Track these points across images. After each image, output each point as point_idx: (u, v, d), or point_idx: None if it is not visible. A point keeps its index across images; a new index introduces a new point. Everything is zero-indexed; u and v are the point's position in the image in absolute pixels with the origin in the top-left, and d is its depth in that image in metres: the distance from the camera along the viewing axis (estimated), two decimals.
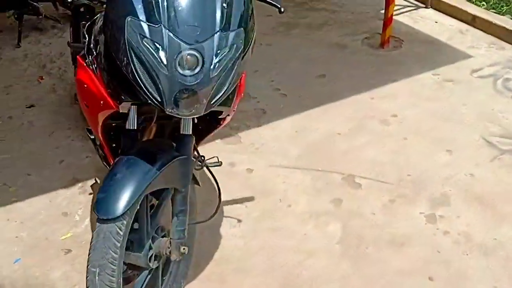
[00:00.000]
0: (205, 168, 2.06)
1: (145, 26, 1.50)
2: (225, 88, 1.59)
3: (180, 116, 1.60)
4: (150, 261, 1.79)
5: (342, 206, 2.59)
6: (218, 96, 1.58)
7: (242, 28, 1.59)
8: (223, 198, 2.12)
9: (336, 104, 3.34)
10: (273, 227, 2.47)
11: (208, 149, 2.31)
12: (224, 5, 1.56)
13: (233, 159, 2.86)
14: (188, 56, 1.51)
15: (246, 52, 1.62)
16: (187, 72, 1.52)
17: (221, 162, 2.18)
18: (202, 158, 2.00)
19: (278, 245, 2.38)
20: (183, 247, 1.83)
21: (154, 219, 1.83)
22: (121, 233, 1.59)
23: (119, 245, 1.59)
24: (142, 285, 1.85)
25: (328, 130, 3.12)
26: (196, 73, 1.52)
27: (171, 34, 1.50)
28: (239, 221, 2.49)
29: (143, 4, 1.51)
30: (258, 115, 3.26)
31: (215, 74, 1.54)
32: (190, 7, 1.53)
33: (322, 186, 2.72)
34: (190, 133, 1.77)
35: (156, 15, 1.50)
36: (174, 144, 1.82)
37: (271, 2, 1.82)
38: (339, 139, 3.06)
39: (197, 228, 2.12)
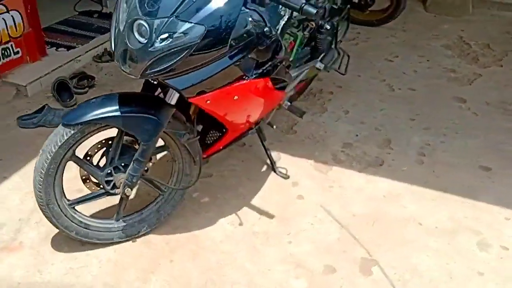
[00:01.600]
0: None
1: None
2: (162, 67, 1.78)
3: (123, 71, 1.87)
4: (107, 184, 2.14)
5: None
6: (153, 70, 1.79)
7: (202, 26, 1.74)
8: None
9: None
10: None
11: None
12: None
13: None
14: (138, 23, 1.76)
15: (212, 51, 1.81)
16: (135, 37, 1.78)
17: (288, 176, 2.73)
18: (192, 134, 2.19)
19: None
20: (128, 189, 2.12)
21: (125, 155, 2.13)
22: (65, 137, 1.95)
23: (59, 144, 1.95)
24: (87, 200, 2.22)
25: None
26: (140, 41, 1.77)
27: (138, 2, 1.76)
28: None
29: None
30: None
31: (154, 50, 1.75)
32: None
33: None
34: (172, 103, 2.02)
35: None
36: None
37: (288, 4, 1.86)
38: None
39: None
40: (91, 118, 1.94)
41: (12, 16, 3.43)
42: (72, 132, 1.95)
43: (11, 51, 3.50)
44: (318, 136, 3.13)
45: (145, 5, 1.75)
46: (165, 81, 1.85)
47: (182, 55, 1.75)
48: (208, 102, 1.96)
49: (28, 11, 3.52)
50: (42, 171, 1.98)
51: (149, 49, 1.75)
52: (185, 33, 1.73)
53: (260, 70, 2.07)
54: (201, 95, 1.91)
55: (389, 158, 2.94)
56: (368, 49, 4.31)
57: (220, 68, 1.88)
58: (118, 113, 1.94)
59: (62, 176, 2.07)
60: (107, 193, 2.18)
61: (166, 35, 1.73)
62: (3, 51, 3.43)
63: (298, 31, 2.62)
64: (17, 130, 3.09)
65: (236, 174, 2.77)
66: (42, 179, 1.99)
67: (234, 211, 2.51)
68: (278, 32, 2.14)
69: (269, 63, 2.11)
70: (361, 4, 4.47)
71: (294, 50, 2.65)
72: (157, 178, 2.30)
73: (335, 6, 2.89)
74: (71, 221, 2.14)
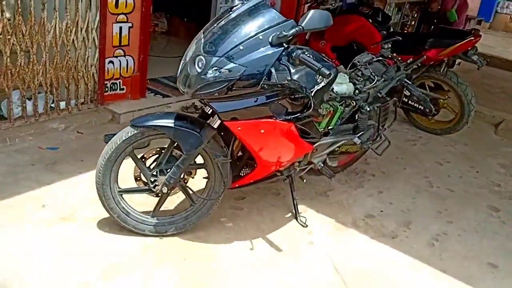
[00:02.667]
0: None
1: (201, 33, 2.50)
2: (208, 91, 2.36)
3: (181, 91, 2.50)
4: (151, 182, 2.66)
5: None
6: (202, 92, 2.38)
7: (242, 67, 2.31)
8: None
9: None
10: None
11: None
12: (241, 47, 2.34)
13: None
14: (199, 58, 2.37)
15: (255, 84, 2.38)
16: (194, 67, 2.38)
17: (306, 225, 3.13)
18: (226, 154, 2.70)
19: None
20: (164, 187, 2.64)
21: (171, 163, 2.65)
22: (129, 134, 2.56)
23: (123, 139, 2.56)
24: (134, 191, 2.81)
25: None
26: (197, 70, 2.37)
27: (202, 42, 2.40)
28: None
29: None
30: None
31: (205, 77, 2.34)
32: (221, 33, 2.41)
33: None
34: (214, 127, 2.57)
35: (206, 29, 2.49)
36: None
37: (310, 65, 2.39)
38: None
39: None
40: (151, 124, 2.54)
41: (126, 59, 4.30)
42: (135, 132, 2.55)
43: (118, 86, 4.33)
44: (346, 203, 3.48)
45: (207, 46, 2.38)
46: (209, 102, 2.41)
47: (223, 85, 2.32)
48: (239, 128, 2.48)
49: (140, 59, 4.38)
50: (105, 156, 2.58)
51: (201, 76, 2.34)
52: (229, 70, 2.31)
53: (288, 117, 2.57)
54: (234, 121, 2.45)
55: (403, 235, 3.20)
56: (424, 151, 4.64)
57: (252, 104, 2.42)
58: (172, 125, 2.52)
59: (119, 166, 2.65)
60: (150, 190, 2.70)
61: (215, 68, 2.32)
62: (112, 85, 4.27)
63: (340, 105, 3.11)
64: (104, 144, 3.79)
65: (262, 213, 3.19)
66: (103, 163, 2.58)
67: (249, 239, 2.90)
68: (312, 93, 2.63)
69: (297, 114, 2.61)
70: (426, 112, 4.87)
71: (334, 120, 3.12)
72: (192, 190, 2.79)
73: (379, 95, 3.35)
74: (117, 205, 2.68)
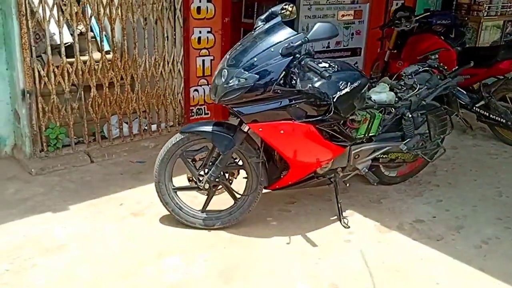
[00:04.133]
0: None
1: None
2: (230, 97, 2.78)
3: (211, 98, 2.98)
4: (199, 181, 3.09)
5: None
6: (225, 99, 2.80)
7: (256, 75, 2.70)
8: None
9: None
10: None
11: None
12: (255, 59, 2.73)
13: None
14: (223, 71, 2.82)
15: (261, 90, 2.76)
16: (220, 78, 2.83)
17: (348, 226, 3.30)
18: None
19: None
20: (207, 184, 3.06)
21: (220, 164, 3.01)
22: (177, 139, 3.05)
23: (173, 143, 3.06)
24: (185, 189, 3.23)
25: None
26: (222, 80, 2.80)
27: (227, 58, 2.89)
28: None
29: None
30: None
31: (227, 86, 2.77)
32: (241, 49, 2.86)
33: None
34: (244, 130, 2.95)
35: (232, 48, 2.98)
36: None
37: (314, 69, 2.71)
38: None
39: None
40: (194, 130, 3.02)
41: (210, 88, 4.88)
42: (182, 137, 3.04)
43: (203, 111, 4.93)
44: (398, 210, 3.56)
45: (229, 61, 2.83)
46: (232, 108, 2.81)
47: (241, 91, 2.73)
48: (261, 130, 2.83)
49: None
50: (160, 158, 3.09)
51: (224, 86, 2.77)
52: (246, 78, 2.71)
53: (307, 119, 2.86)
54: (256, 123, 2.81)
55: (450, 238, 3.20)
56: (503, 164, 4.47)
57: (271, 107, 2.77)
58: (210, 130, 2.97)
59: (172, 166, 3.13)
60: (198, 188, 3.14)
61: (235, 78, 2.74)
62: (197, 110, 4.89)
63: (378, 112, 3.29)
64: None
65: (308, 215, 3.43)
66: (158, 164, 3.09)
67: (289, 234, 3.18)
68: (334, 99, 2.89)
69: (318, 117, 2.89)
70: (509, 125, 4.70)
71: (374, 127, 3.30)
72: (234, 189, 3.17)
73: (423, 102, 3.45)
74: (171, 200, 3.16)
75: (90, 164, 4.15)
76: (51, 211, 3.36)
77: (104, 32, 4.23)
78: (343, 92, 2.93)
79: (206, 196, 3.20)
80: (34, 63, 3.82)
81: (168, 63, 4.54)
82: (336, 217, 3.40)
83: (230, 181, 3.19)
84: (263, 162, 3.05)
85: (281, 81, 2.76)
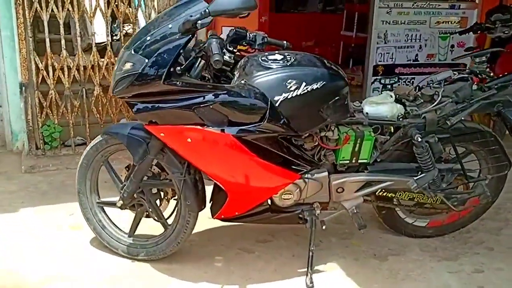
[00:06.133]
0: None
1: None
2: (119, 89, 2.11)
3: None
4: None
5: None
6: (115, 90, 2.15)
7: (145, 58, 2.02)
8: None
9: None
10: None
11: None
12: (148, 37, 2.06)
13: None
14: (120, 53, 2.19)
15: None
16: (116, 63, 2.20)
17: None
18: None
19: None
20: (120, 202, 2.44)
21: (134, 178, 2.38)
22: (95, 142, 2.48)
23: (91, 145, 2.49)
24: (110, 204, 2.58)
25: None
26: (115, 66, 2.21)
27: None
28: None
29: None
30: None
31: (118, 73, 2.12)
32: (144, 29, 2.23)
33: None
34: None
35: None
36: None
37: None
38: None
39: None
40: (110, 131, 2.43)
41: None
42: (100, 139, 2.45)
43: None
44: (403, 274, 2.49)
45: (129, 42, 2.16)
46: (129, 101, 2.15)
47: (128, 80, 2.06)
48: (162, 135, 2.11)
49: None
50: (79, 163, 2.53)
51: (116, 72, 2.13)
52: (133, 63, 2.05)
53: (226, 127, 2.07)
54: (155, 125, 2.10)
55: None
56: None
57: (173, 105, 2.04)
58: (126, 132, 2.33)
59: (96, 175, 2.56)
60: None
61: (126, 63, 2.08)
62: None
63: (370, 131, 2.32)
64: None
65: (272, 261, 2.57)
66: (77, 170, 2.53)
67: (227, 283, 2.37)
68: (276, 103, 2.06)
69: (246, 125, 2.07)
70: None
71: (365, 151, 2.34)
72: (162, 214, 2.47)
73: (448, 123, 2.37)
74: (94, 216, 2.58)
75: None
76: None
77: None
78: (292, 94, 2.09)
79: (134, 218, 2.56)
80: (31, 55, 3.61)
81: None
82: (305, 269, 2.49)
83: (160, 202, 2.49)
84: (191, 180, 2.32)
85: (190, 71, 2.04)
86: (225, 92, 2.05)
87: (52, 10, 3.57)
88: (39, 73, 3.66)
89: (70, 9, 3.61)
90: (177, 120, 2.09)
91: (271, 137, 2.16)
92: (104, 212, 2.62)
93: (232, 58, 2.19)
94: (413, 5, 4.78)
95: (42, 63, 3.64)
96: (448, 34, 4.92)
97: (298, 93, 2.09)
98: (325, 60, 2.26)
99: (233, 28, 2.29)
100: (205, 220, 2.59)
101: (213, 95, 2.04)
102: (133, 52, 2.07)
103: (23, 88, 3.65)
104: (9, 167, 3.76)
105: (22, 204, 3.16)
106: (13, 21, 3.51)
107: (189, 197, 2.33)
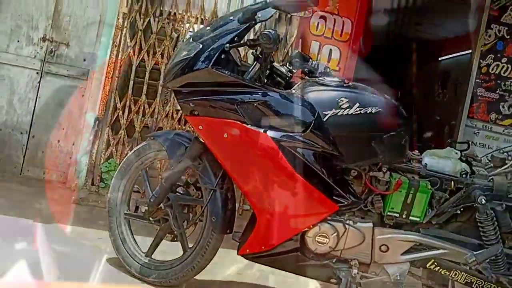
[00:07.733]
0: None
1: None
2: (170, 77, 2.11)
3: None
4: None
5: None
6: (167, 80, 2.14)
7: (200, 44, 2.02)
8: None
9: None
10: None
11: None
12: (208, 27, 2.11)
13: None
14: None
15: None
16: None
17: None
18: None
19: None
20: (144, 207, 2.35)
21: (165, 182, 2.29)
22: (139, 147, 2.44)
23: (133, 150, 2.44)
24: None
25: None
26: None
27: None
28: None
29: None
30: None
31: (172, 62, 2.13)
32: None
33: None
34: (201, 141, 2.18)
35: None
36: None
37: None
38: None
39: None
40: (155, 135, 2.39)
41: None
42: (143, 144, 2.41)
43: None
44: None
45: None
46: (176, 90, 2.11)
47: (179, 67, 2.05)
48: (201, 128, 2.01)
49: None
50: (118, 167, 2.47)
51: (172, 62, 2.14)
52: (189, 49, 2.05)
53: (269, 130, 1.93)
54: (195, 116, 2.02)
55: None
56: None
57: (219, 96, 1.98)
58: (169, 136, 2.31)
59: (133, 182, 2.45)
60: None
61: (182, 51, 2.10)
62: None
63: (426, 183, 2.05)
64: None
65: None
66: (115, 174, 2.47)
67: None
68: (325, 117, 1.93)
69: (287, 132, 1.93)
70: None
71: (420, 208, 2.06)
72: (185, 234, 2.28)
73: None
74: (117, 227, 2.44)
75: None
76: None
77: None
78: (343, 112, 1.95)
79: (155, 235, 2.38)
80: (113, 93, 3.79)
81: None
82: None
83: (188, 223, 2.30)
84: (221, 195, 2.15)
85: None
86: (273, 93, 1.96)
87: (143, 59, 3.82)
88: (115, 112, 3.80)
89: (160, 60, 3.83)
90: (218, 113, 2.00)
91: (314, 153, 1.97)
92: (129, 225, 2.47)
93: (288, 72, 2.14)
94: (503, 131, 4.46)
95: (120, 103, 3.79)
96: None
97: (350, 113, 1.95)
98: (386, 95, 2.12)
99: (298, 50, 2.26)
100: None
101: (261, 93, 1.96)
102: (191, 40, 2.08)
103: (97, 122, 3.78)
104: (60, 196, 3.77)
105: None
106: (106, 59, 3.77)
107: (215, 213, 2.14)
